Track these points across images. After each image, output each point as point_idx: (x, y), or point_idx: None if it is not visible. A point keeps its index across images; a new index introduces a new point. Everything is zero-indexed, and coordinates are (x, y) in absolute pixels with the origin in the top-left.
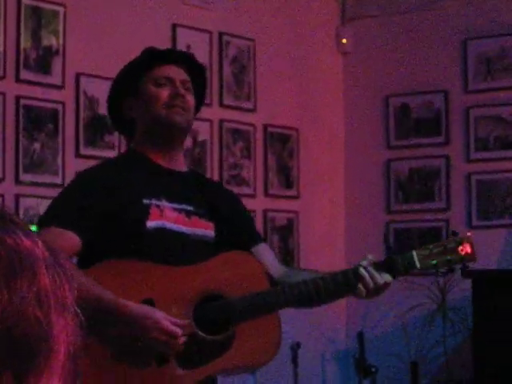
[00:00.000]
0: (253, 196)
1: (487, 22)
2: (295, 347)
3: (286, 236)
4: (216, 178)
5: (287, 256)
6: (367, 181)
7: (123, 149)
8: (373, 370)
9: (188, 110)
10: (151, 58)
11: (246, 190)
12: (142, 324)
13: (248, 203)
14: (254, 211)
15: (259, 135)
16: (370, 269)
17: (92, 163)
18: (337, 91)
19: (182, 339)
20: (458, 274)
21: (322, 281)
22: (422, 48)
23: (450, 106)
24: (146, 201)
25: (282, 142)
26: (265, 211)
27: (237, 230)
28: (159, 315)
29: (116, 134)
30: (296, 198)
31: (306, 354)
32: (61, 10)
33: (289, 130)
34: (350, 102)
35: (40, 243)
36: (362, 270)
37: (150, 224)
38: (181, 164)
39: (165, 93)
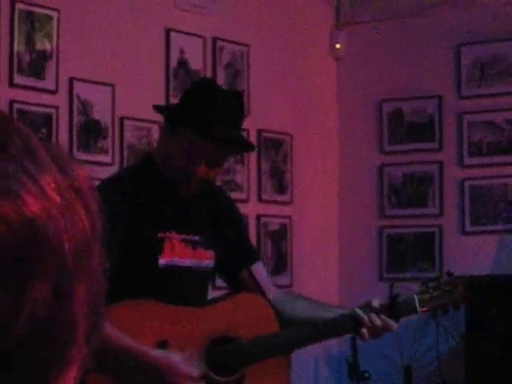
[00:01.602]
0: (246, 201)
1: (481, 27)
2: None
3: (279, 241)
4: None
5: (280, 261)
6: (361, 186)
7: (116, 154)
8: (366, 374)
9: (204, 182)
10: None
11: (239, 195)
12: (163, 371)
13: (241, 208)
14: (247, 216)
15: (253, 140)
16: (370, 313)
17: (85, 168)
18: (331, 96)
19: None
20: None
21: (332, 323)
22: (416, 53)
23: (443, 112)
24: (160, 234)
25: (275, 147)
26: (258, 216)
27: (235, 250)
28: (178, 361)
29: (110, 138)
30: (289, 203)
31: (299, 358)
32: (54, 14)
33: (282, 134)
34: (344, 107)
35: (50, 184)
36: (359, 312)
37: (162, 261)
38: (193, 186)
39: (184, 164)
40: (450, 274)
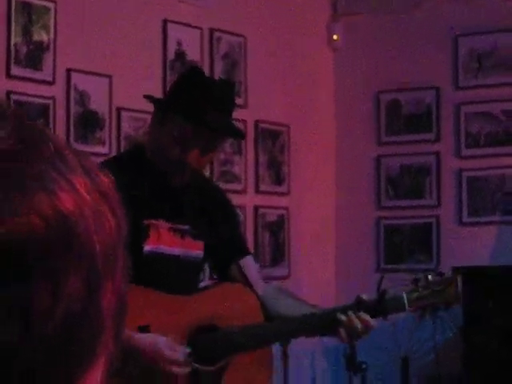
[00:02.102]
0: (243, 192)
1: (478, 18)
2: (285, 343)
3: (276, 232)
4: (207, 174)
5: (277, 252)
6: (358, 177)
7: (114, 145)
8: (363, 366)
9: (195, 170)
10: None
11: (236, 186)
12: (150, 355)
13: (238, 199)
14: (245, 207)
15: (250, 131)
16: (350, 313)
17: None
18: (328, 87)
19: (186, 369)
20: (448, 271)
21: (312, 319)
22: (413, 44)
23: (440, 103)
24: (146, 221)
25: (272, 138)
26: (255, 207)
27: (227, 246)
28: (163, 345)
29: (107, 129)
30: (287, 194)
31: (296, 349)
32: (51, 5)
33: (280, 126)
34: (341, 98)
35: (81, 185)
36: (339, 315)
37: (147, 248)
38: (186, 176)
39: (176, 152)
40: (441, 274)
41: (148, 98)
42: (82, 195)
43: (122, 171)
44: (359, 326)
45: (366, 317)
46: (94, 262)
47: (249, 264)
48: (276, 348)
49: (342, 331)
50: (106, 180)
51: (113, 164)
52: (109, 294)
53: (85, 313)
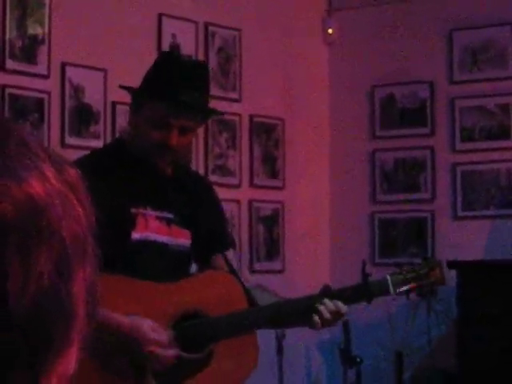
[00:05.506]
0: (238, 186)
1: (473, 12)
2: (280, 337)
3: (271, 226)
4: (201, 168)
5: (272, 246)
6: (352, 171)
7: (108, 139)
8: (358, 360)
9: (178, 152)
10: (164, 95)
11: (231, 181)
12: (133, 337)
13: (233, 193)
14: (239, 201)
15: (245, 125)
16: (326, 300)
17: (77, 153)
18: (322, 81)
19: (171, 351)
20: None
21: (291, 305)
22: (408, 38)
23: (435, 97)
24: (133, 210)
25: (267, 132)
26: (250, 201)
27: (209, 237)
28: (146, 327)
29: (102, 123)
30: (281, 188)
31: (291, 343)
32: None
33: (274, 120)
34: (336, 93)
35: (49, 172)
36: (315, 302)
37: (135, 235)
38: (168, 166)
39: (156, 136)
40: (426, 259)
41: (124, 88)
42: (51, 182)
43: (104, 163)
44: (333, 309)
45: (338, 303)
46: (64, 245)
47: (229, 258)
48: (271, 342)
49: (316, 318)
50: (73, 172)
51: (95, 157)
52: (79, 281)
53: (56, 295)
